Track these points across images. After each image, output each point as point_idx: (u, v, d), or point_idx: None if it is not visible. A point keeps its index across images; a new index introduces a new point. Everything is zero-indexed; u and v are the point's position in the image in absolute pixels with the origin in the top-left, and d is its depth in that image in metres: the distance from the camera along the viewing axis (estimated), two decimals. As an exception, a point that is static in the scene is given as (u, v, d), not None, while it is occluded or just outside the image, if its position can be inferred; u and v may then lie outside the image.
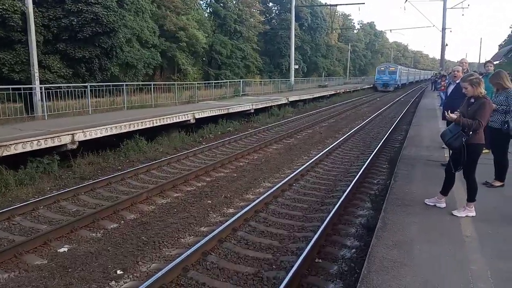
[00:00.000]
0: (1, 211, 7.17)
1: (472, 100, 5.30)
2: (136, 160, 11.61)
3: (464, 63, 11.24)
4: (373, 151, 12.52)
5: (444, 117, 7.55)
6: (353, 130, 17.48)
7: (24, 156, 9.19)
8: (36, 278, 5.17)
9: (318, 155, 12.00)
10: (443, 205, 5.68)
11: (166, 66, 43.32)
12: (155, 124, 13.15)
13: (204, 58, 49.32)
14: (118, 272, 5.31)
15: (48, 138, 9.47)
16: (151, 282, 4.68)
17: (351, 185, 8.64)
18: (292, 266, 5.11)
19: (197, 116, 15.56)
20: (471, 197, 5.38)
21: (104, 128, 11.07)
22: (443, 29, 34.22)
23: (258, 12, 57.42)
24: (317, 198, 8.44)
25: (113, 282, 5.05)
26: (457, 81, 8.31)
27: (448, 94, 9.26)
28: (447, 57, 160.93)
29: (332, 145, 13.71)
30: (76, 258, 5.70)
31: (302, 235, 6.49)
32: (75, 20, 18.09)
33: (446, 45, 35.04)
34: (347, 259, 5.64)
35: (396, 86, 55.63)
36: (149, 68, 37.92)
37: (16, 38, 16.66)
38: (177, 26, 40.69)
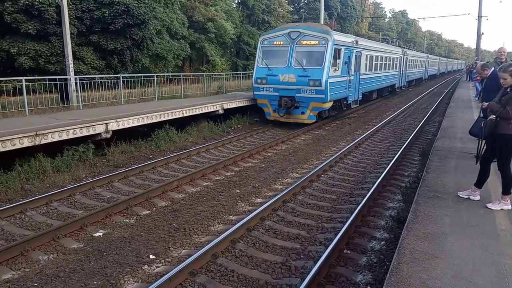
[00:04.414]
0: (39, 196, 7.51)
1: (508, 90, 5.12)
2: (166, 149, 11.85)
3: (503, 52, 10.79)
4: (404, 143, 12.29)
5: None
6: (383, 121, 17.17)
7: (60, 145, 9.53)
8: (73, 261, 5.40)
9: (347, 147, 11.89)
10: (477, 197, 5.54)
11: (195, 57, 43.79)
12: (184, 115, 13.34)
13: (232, 49, 49.55)
14: (151, 256, 5.48)
15: (83, 127, 9.78)
16: (182, 267, 4.82)
17: (381, 177, 8.54)
18: (320, 256, 5.13)
19: (225, 107, 15.65)
20: (506, 190, 5.22)
21: (136, 118, 11.32)
22: (479, 17, 32.87)
23: (287, 1, 56.91)
24: (345, 190, 8.39)
25: (146, 266, 5.22)
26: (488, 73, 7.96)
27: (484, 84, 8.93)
28: (483, 46, 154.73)
29: (362, 137, 13.54)
30: (111, 243, 5.91)
31: (331, 226, 6.48)
32: (107, 12, 18.47)
33: (482, 33, 33.61)
34: (377, 251, 5.61)
35: (326, 106, 15.40)
36: (179, 59, 38.41)
37: (51, 30, 17.18)
38: (205, 17, 40.95)
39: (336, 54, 15.23)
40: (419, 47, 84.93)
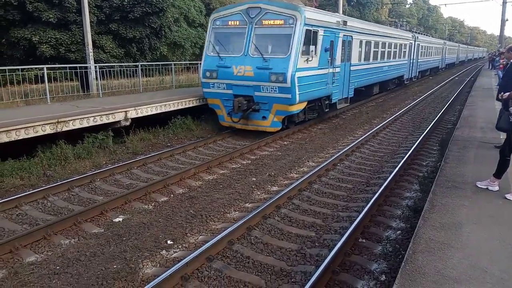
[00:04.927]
0: (61, 182, 7.73)
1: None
2: (184, 137, 11.98)
3: None
4: (423, 132, 12.13)
5: (498, 98, 7.15)
6: (402, 110, 16.95)
7: (81, 132, 9.74)
8: (93, 245, 5.57)
9: (364, 136, 11.80)
10: (496, 188, 5.47)
11: (212, 45, 43.65)
12: (201, 103, 13.42)
13: (249, 37, 49.28)
14: (169, 242, 5.61)
15: (103, 115, 9.96)
16: (199, 253, 4.92)
17: (398, 166, 8.48)
18: (335, 245, 5.16)
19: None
20: (527, 181, 5.14)
21: (154, 106, 11.46)
22: (504, 2, 31.87)
23: (305, -12, 56.13)
24: (362, 179, 8.36)
25: (164, 251, 5.34)
26: None
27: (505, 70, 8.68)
28: (507, 33, 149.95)
29: (379, 126, 13.41)
30: (130, 228, 6.06)
31: (346, 215, 6.49)
32: (126, 0, 18.57)
33: (506, 20, 32.59)
34: (392, 240, 5.61)
35: (295, 109, 11.71)
36: (196, 47, 38.40)
37: (71, 19, 17.38)
38: (223, 5, 40.76)
39: (310, 38, 11.40)
40: (441, 34, 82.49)
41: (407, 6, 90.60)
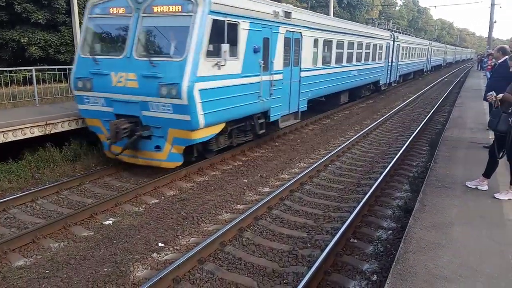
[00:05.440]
0: (50, 185, 7.63)
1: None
2: (174, 139, 11.90)
3: None
4: (413, 133, 12.23)
5: (485, 98, 7.24)
6: (392, 111, 17.08)
7: (70, 134, 9.63)
8: (83, 248, 5.50)
9: (355, 136, 11.86)
10: (485, 187, 5.53)
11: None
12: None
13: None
14: (160, 244, 5.56)
15: (92, 117, 9.86)
16: (190, 255, 4.89)
17: (388, 167, 8.53)
18: (327, 245, 5.17)
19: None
20: (515, 180, 5.20)
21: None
22: (492, 5, 32.31)
23: (295, -11, 56.32)
24: (353, 179, 8.39)
25: (155, 254, 5.30)
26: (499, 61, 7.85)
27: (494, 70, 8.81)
28: (495, 35, 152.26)
29: (370, 126, 13.49)
30: (120, 231, 6.01)
31: (338, 215, 6.51)
32: (116, 2, 18.53)
33: (495, 22, 33.06)
34: (383, 240, 5.64)
35: (199, 137, 7.94)
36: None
37: (60, 20, 17.26)
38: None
39: (222, 33, 8.00)
40: (430, 36, 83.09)
41: (397, 8, 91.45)
